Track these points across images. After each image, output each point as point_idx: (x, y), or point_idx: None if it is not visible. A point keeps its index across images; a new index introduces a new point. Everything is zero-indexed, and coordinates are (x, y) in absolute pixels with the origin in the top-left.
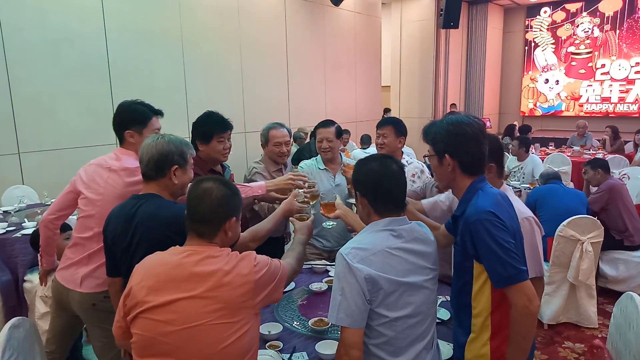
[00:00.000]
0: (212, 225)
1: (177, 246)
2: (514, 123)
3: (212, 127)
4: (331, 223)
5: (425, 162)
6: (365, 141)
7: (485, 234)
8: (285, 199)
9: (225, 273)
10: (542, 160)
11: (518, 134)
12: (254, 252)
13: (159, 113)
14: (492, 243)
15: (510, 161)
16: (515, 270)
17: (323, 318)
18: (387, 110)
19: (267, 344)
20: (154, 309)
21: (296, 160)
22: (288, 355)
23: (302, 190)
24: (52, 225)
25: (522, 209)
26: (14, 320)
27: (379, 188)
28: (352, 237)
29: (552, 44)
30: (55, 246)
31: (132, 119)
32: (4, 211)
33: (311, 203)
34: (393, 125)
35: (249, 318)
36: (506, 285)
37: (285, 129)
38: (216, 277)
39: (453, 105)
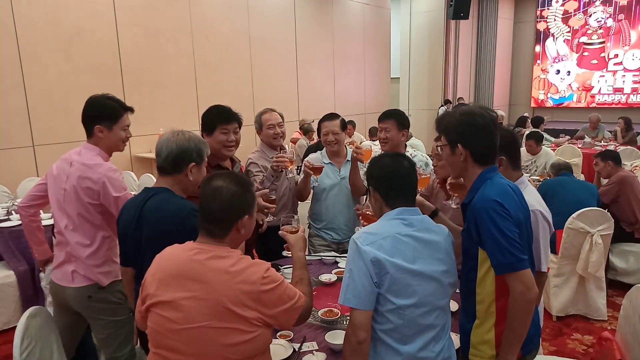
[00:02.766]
0: (223, 224)
1: (191, 242)
2: (526, 114)
3: (215, 117)
4: None
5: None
6: (373, 133)
7: (488, 221)
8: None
9: (231, 276)
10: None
11: (530, 126)
12: (269, 264)
13: (130, 109)
14: (495, 230)
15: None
16: (515, 259)
17: (332, 309)
18: (447, 102)
19: (278, 334)
20: (161, 304)
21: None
22: (298, 345)
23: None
24: (25, 212)
25: (531, 201)
26: (31, 309)
27: (390, 183)
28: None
29: (567, 32)
30: (40, 235)
31: (103, 114)
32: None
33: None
34: (395, 119)
35: (254, 327)
36: (505, 272)
37: (276, 113)
38: (220, 279)
39: (460, 98)
